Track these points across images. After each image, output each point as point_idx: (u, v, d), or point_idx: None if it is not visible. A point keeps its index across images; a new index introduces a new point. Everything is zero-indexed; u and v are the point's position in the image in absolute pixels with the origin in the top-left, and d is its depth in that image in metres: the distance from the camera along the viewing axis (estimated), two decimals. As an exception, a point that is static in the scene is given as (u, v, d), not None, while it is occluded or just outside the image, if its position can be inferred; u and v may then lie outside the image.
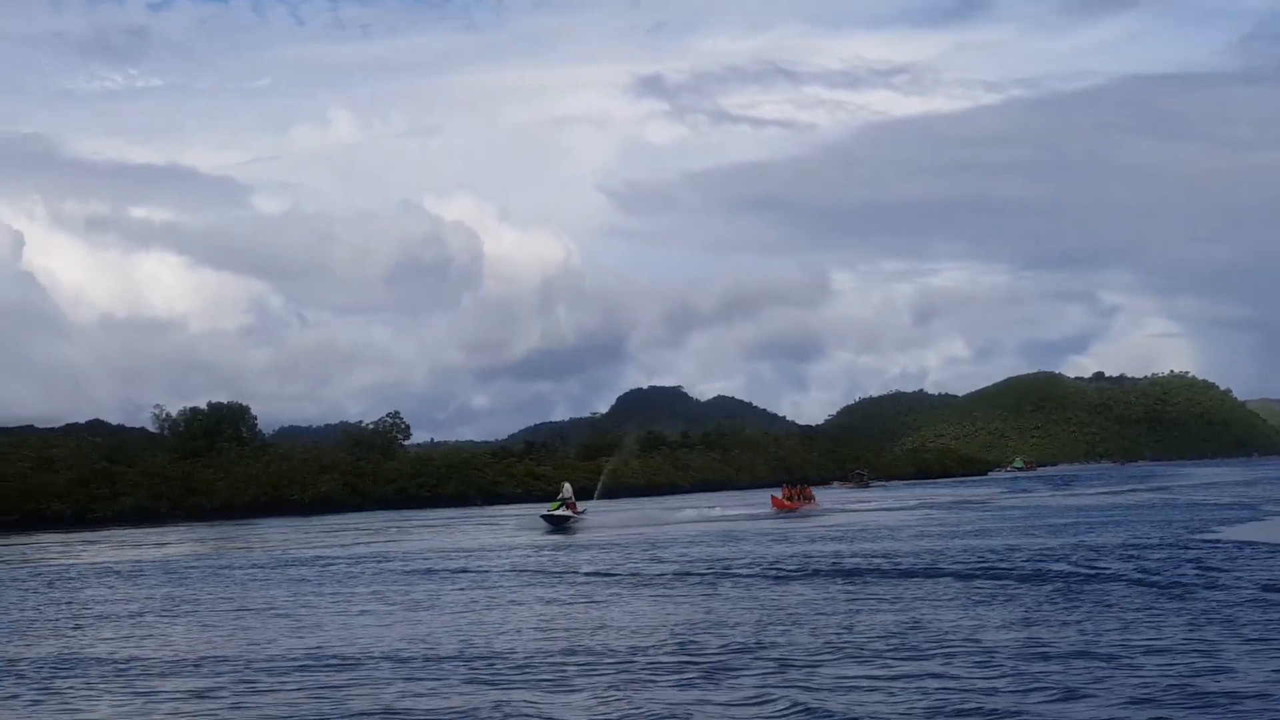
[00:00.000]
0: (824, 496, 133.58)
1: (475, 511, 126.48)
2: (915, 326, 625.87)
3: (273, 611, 33.52)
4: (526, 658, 23.57)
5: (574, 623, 28.60)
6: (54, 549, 75.37)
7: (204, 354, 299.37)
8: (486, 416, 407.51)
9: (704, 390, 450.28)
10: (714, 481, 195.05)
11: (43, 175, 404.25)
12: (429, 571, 45.47)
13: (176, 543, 78.63)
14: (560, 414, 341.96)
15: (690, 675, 21.14)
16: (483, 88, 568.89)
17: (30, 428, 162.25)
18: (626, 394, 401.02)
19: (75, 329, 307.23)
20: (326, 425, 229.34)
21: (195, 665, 24.26)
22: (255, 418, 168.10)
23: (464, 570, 45.51)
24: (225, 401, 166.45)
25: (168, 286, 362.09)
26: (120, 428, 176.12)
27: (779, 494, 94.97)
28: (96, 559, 62.42)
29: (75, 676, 23.47)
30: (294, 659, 24.45)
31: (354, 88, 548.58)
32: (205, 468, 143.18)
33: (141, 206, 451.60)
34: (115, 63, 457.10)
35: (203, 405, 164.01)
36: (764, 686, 19.98)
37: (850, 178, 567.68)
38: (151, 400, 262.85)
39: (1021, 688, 19.12)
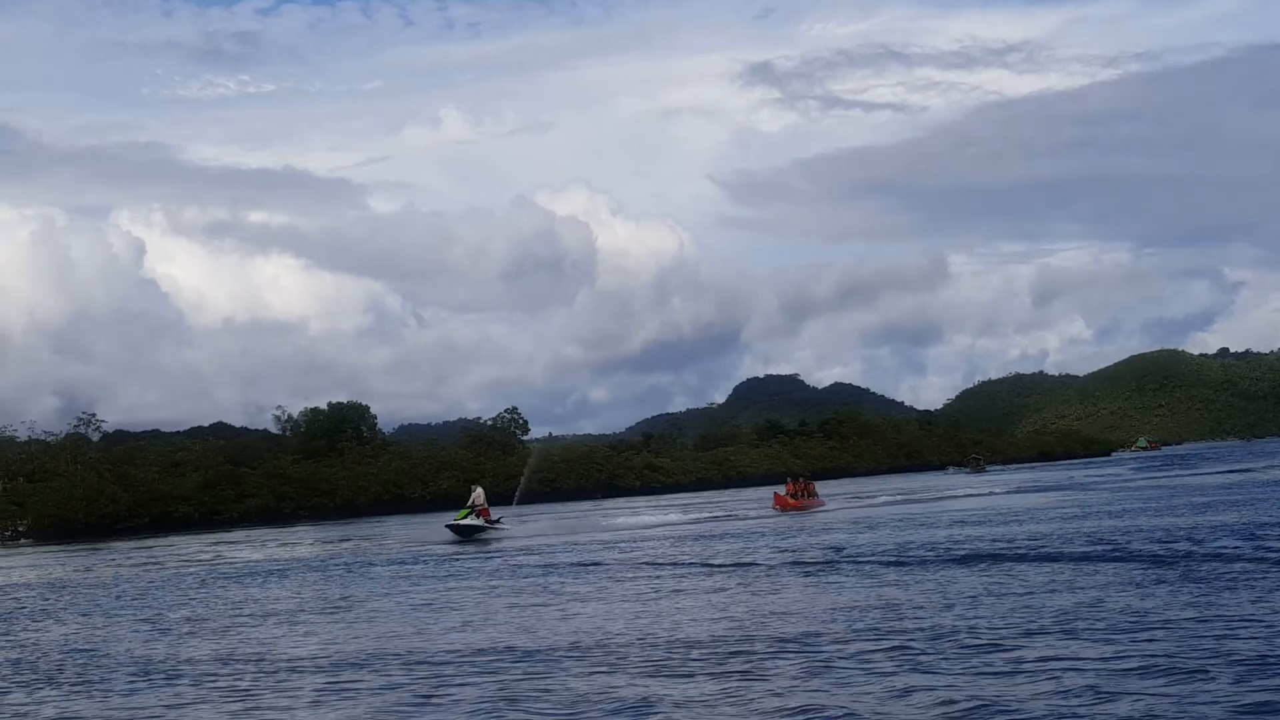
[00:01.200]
0: (938, 481, 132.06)
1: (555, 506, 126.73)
2: (1035, 308, 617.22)
3: (433, 606, 33.70)
4: (704, 646, 23.37)
5: (741, 611, 28.42)
6: (194, 550, 76.79)
7: (324, 355, 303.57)
8: (604, 410, 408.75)
9: (821, 378, 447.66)
10: (832, 469, 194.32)
11: (161, 183, 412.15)
12: (579, 565, 45.48)
13: (311, 542, 79.80)
14: (677, 405, 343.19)
15: (885, 664, 20.92)
16: (592, 82, 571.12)
17: (157, 432, 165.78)
18: (743, 383, 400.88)
19: (197, 334, 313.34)
20: (445, 422, 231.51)
21: (377, 660, 24.41)
22: (375, 417, 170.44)
23: (596, 564, 45.43)
24: (345, 401, 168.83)
25: (287, 289, 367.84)
26: (244, 430, 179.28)
27: (783, 490, 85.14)
28: (238, 558, 63.45)
29: (258, 675, 23.70)
30: (473, 652, 24.49)
31: (464, 86, 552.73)
32: (327, 467, 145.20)
33: (259, 211, 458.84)
34: (228, 69, 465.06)
35: (323, 405, 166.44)
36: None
37: (965, 159, 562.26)
38: (273, 402, 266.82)
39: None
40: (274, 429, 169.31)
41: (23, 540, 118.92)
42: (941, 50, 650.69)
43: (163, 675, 24.30)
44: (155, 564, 64.25)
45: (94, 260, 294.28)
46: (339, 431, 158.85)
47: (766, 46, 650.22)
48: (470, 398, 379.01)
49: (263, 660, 25.39)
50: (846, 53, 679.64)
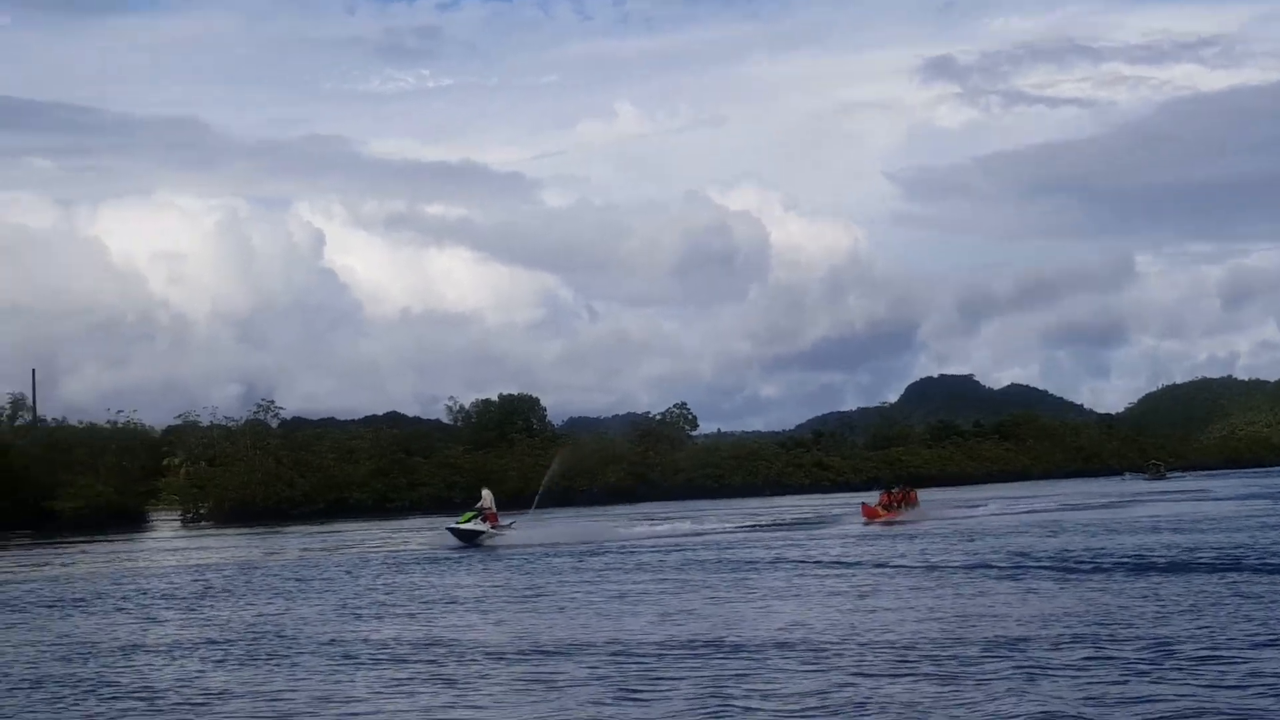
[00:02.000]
0: (1114, 488, 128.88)
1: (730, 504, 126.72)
2: (1224, 310, 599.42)
3: (626, 597, 33.85)
4: (909, 647, 23.12)
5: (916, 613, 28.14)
6: (370, 535, 78.24)
7: (496, 346, 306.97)
8: (774, 407, 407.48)
9: (997, 378, 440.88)
10: (1008, 472, 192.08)
11: (341, 176, 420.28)
12: (768, 562, 45.41)
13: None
14: (849, 404, 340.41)
15: (1101, 670, 20.46)
16: (767, 77, 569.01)
17: (333, 420, 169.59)
18: (916, 383, 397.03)
19: (374, 324, 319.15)
20: (615, 416, 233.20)
21: (575, 650, 24.45)
22: (545, 409, 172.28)
23: (780, 560, 45.46)
24: (516, 393, 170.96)
25: (461, 281, 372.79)
26: (416, 419, 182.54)
27: (875, 501, 76.70)
28: (413, 547, 64.28)
29: (458, 662, 23.92)
30: (675, 645, 24.44)
31: (639, 81, 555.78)
32: (497, 458, 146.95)
33: (436, 203, 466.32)
34: (408, 64, 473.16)
35: (494, 397, 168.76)
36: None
37: (1154, 157, 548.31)
38: (446, 392, 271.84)
39: None
40: (446, 419, 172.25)
41: (204, 523, 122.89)
42: (1130, 44, 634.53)
43: (363, 658, 24.67)
44: (335, 548, 65.57)
45: (275, 251, 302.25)
46: (509, 423, 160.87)
47: (946, 41, 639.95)
48: (640, 391, 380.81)
49: (460, 646, 25.62)
50: (1030, 46, 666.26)
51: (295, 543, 73.66)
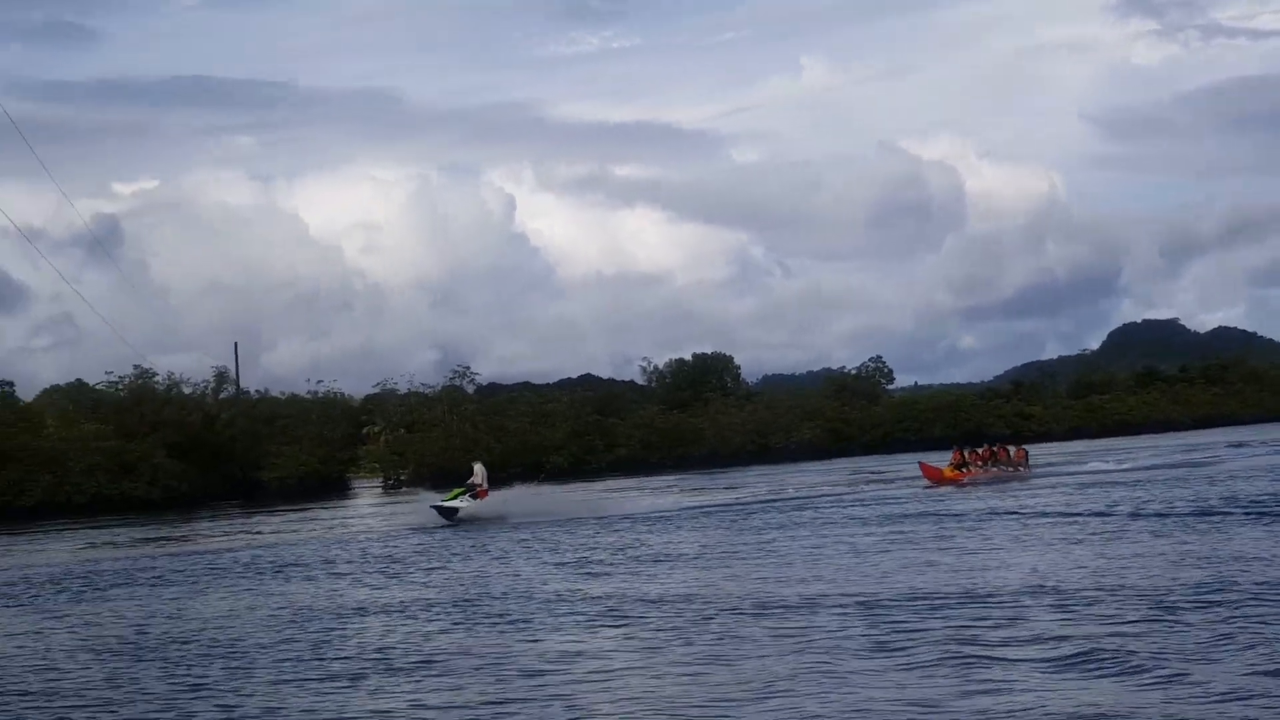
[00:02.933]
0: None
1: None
2: None
3: (858, 551, 33.25)
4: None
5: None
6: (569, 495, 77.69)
7: (688, 306, 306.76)
8: (972, 358, 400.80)
9: (1203, 321, 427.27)
10: (1215, 417, 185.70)
11: (530, 140, 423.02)
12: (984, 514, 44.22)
13: (680, 491, 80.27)
14: (1049, 352, 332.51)
15: None
16: (958, 22, 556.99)
17: (527, 384, 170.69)
18: (1118, 329, 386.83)
19: (566, 286, 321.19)
20: (809, 372, 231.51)
21: (818, 602, 24.00)
22: (739, 367, 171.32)
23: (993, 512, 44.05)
24: (710, 352, 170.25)
25: (652, 241, 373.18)
26: (610, 381, 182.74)
27: (946, 461, 67.92)
28: (621, 506, 63.70)
29: (698, 617, 23.50)
30: (921, 595, 23.98)
31: (825, 33, 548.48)
32: (692, 417, 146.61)
33: (624, 165, 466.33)
34: (593, 25, 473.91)
35: (688, 356, 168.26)
36: None
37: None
38: (639, 353, 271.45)
39: None
40: (640, 380, 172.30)
41: (404, 488, 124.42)
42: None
43: (597, 615, 24.41)
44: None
45: (468, 217, 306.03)
46: (703, 382, 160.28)
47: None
48: (835, 346, 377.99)
49: (695, 602, 25.20)
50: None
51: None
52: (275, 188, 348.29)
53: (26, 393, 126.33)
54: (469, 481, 58.59)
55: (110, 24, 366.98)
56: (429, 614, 26.15)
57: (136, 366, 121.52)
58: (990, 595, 23.42)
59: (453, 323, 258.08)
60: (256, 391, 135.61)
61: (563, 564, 34.89)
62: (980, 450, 68.45)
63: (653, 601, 25.75)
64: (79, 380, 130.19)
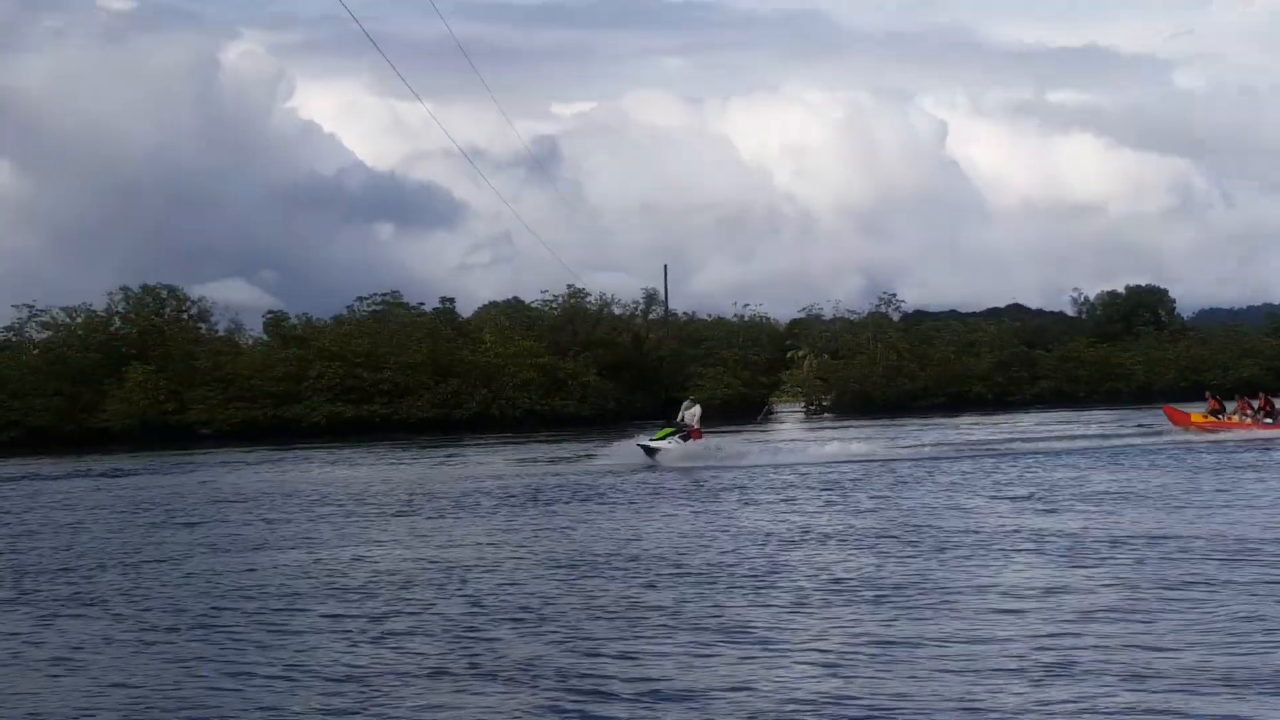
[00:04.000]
0: None
1: None
2: None
3: None
4: None
5: None
6: (990, 429, 74.48)
7: (1124, 236, 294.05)
8: None
9: None
10: None
11: (964, 65, 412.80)
12: None
13: (1109, 422, 76.38)
14: None
15: None
16: None
17: (954, 312, 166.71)
18: None
19: (997, 215, 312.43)
20: (1250, 307, 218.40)
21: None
22: (1174, 300, 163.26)
23: None
24: (1144, 284, 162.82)
25: (1087, 169, 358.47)
26: (1039, 312, 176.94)
27: (1203, 407, 62.24)
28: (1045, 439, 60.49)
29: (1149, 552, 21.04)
30: None
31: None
32: (1122, 351, 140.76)
33: (1060, 90, 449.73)
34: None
35: (1120, 289, 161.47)
36: None
37: None
38: (1070, 284, 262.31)
39: None
40: (1070, 311, 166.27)
41: (826, 415, 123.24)
42: None
43: (1046, 550, 22.08)
44: (984, 441, 61.70)
45: (898, 142, 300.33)
46: (1135, 315, 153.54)
47: None
48: (1278, 282, 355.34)
49: (1161, 540, 22.53)
50: None
51: (924, 434, 70.97)
52: (706, 110, 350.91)
53: (465, 308, 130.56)
54: (679, 421, 52.83)
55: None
56: (869, 543, 24.01)
57: (570, 286, 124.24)
58: None
59: (880, 249, 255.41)
60: (684, 313, 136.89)
61: (1000, 495, 32.33)
62: (1257, 399, 61.36)
63: (1111, 541, 22.91)
64: (515, 298, 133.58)
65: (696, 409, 52.82)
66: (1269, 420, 58.46)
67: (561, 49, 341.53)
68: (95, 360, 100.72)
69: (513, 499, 35.60)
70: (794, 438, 64.63)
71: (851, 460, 48.29)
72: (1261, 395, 61.92)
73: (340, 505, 35.57)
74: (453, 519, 30.92)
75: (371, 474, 50.98)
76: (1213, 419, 59.97)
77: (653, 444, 50.94)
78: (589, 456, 56.16)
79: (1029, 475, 38.50)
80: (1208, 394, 64.84)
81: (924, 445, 57.95)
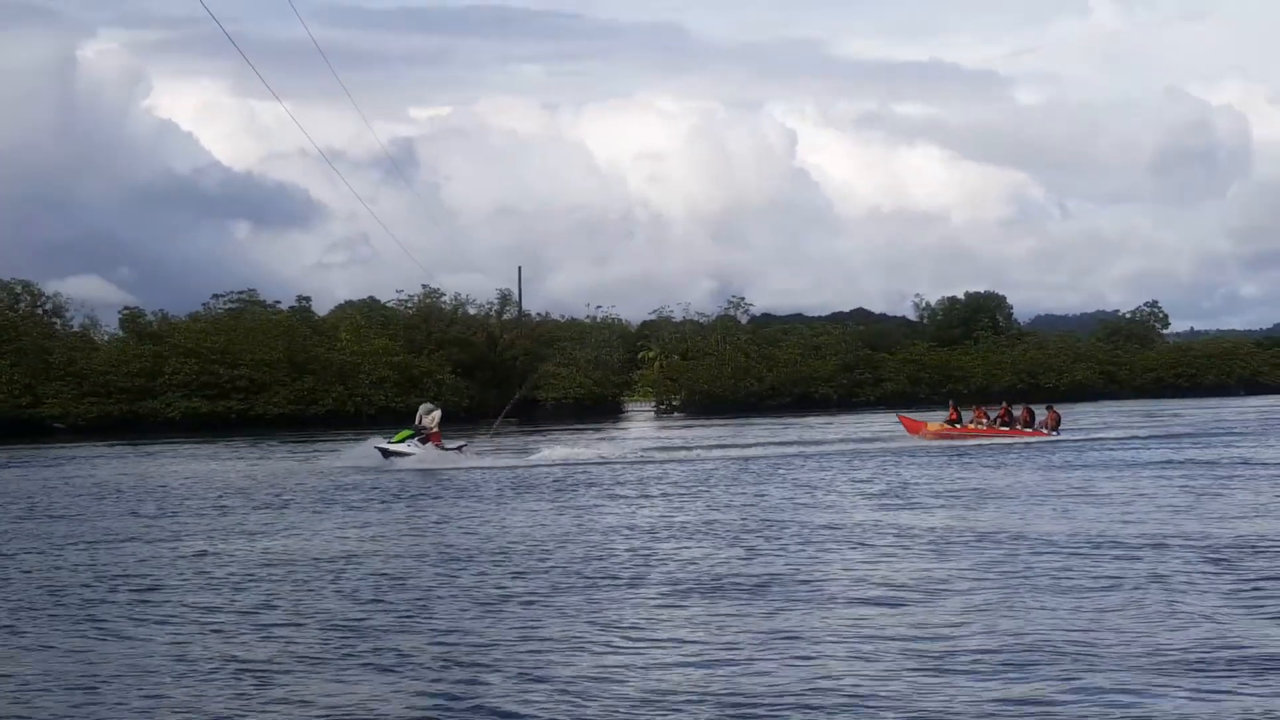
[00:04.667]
0: None
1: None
2: None
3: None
4: None
5: None
6: (837, 427, 76.31)
7: (965, 244, 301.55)
8: (1253, 305, 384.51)
9: None
10: None
11: (813, 77, 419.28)
12: None
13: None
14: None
15: None
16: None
17: (800, 316, 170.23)
18: None
19: (844, 222, 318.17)
20: (1083, 314, 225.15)
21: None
22: (1011, 307, 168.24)
23: None
24: (983, 291, 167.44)
25: (931, 179, 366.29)
26: (883, 316, 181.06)
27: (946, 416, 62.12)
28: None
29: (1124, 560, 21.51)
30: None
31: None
32: (962, 355, 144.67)
33: (906, 103, 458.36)
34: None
35: (960, 295, 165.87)
36: None
37: None
38: (913, 289, 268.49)
39: None
40: (912, 316, 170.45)
41: (675, 414, 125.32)
42: None
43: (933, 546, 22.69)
44: (810, 440, 63.79)
45: (749, 151, 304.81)
46: (974, 320, 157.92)
47: None
48: (1111, 290, 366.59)
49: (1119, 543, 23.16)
50: None
51: (762, 433, 72.96)
52: (562, 116, 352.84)
53: (322, 307, 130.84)
54: (418, 425, 51.40)
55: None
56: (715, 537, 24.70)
57: (425, 286, 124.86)
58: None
59: (731, 254, 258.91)
60: (538, 314, 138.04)
61: (887, 494, 33.43)
62: (992, 410, 62.09)
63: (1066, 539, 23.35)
64: (371, 297, 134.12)
65: (437, 413, 51.64)
66: (1005, 427, 59.19)
67: (421, 53, 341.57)
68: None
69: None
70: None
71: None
72: (1003, 404, 62.80)
73: (204, 499, 35.80)
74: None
75: (230, 468, 51.05)
76: (947, 427, 60.24)
77: (391, 447, 49.92)
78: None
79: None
80: (950, 403, 64.93)
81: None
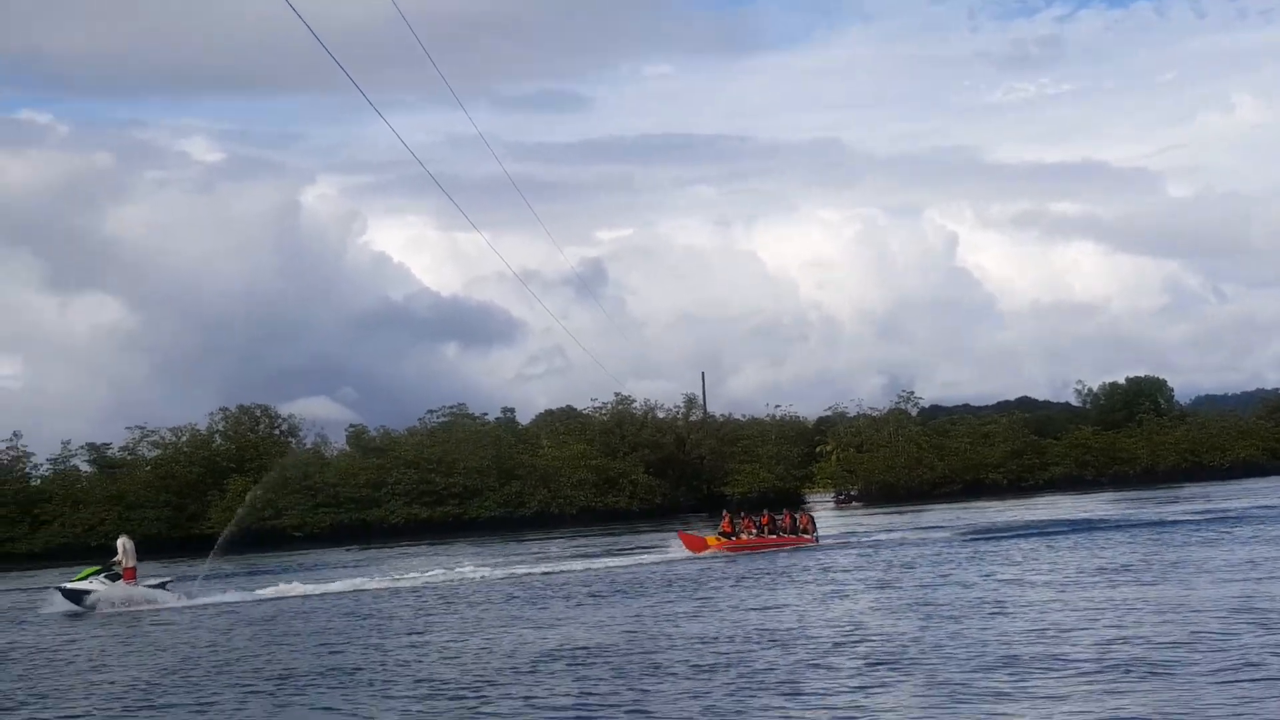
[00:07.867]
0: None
1: None
2: None
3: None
4: None
5: None
6: (1011, 509, 77.85)
7: (1123, 332, 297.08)
8: None
9: None
10: None
11: (969, 182, 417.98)
12: None
13: (1118, 502, 78.96)
14: None
15: None
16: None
17: (967, 406, 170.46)
18: None
19: (1006, 316, 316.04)
20: (1243, 393, 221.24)
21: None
22: (1172, 389, 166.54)
23: None
24: (1143, 375, 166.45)
25: (1088, 272, 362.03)
26: (1046, 403, 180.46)
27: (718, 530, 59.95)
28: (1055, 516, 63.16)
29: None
30: None
31: (1257, 71, 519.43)
32: (1126, 437, 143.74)
33: (1060, 202, 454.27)
34: (1030, 73, 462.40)
35: (1121, 380, 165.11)
36: None
37: None
38: (1075, 377, 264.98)
39: None
40: (1075, 402, 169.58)
41: (854, 503, 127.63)
42: None
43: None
44: (987, 525, 65.27)
45: (911, 253, 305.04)
46: (1136, 403, 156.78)
47: None
48: (1269, 369, 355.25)
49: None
50: None
51: (939, 517, 74.78)
52: (735, 231, 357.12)
53: (524, 416, 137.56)
54: (111, 561, 45.68)
55: (596, 91, 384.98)
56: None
57: (617, 394, 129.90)
58: None
59: (898, 350, 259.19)
60: (721, 415, 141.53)
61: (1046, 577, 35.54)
62: (757, 518, 60.77)
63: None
64: (569, 406, 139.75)
65: (128, 543, 45.58)
66: (773, 535, 58.73)
67: (603, 181, 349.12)
68: (199, 474, 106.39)
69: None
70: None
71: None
72: (765, 513, 62.01)
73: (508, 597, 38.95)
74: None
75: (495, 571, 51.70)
76: (725, 540, 57.82)
77: (75, 587, 44.19)
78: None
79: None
80: (724, 513, 62.59)
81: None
